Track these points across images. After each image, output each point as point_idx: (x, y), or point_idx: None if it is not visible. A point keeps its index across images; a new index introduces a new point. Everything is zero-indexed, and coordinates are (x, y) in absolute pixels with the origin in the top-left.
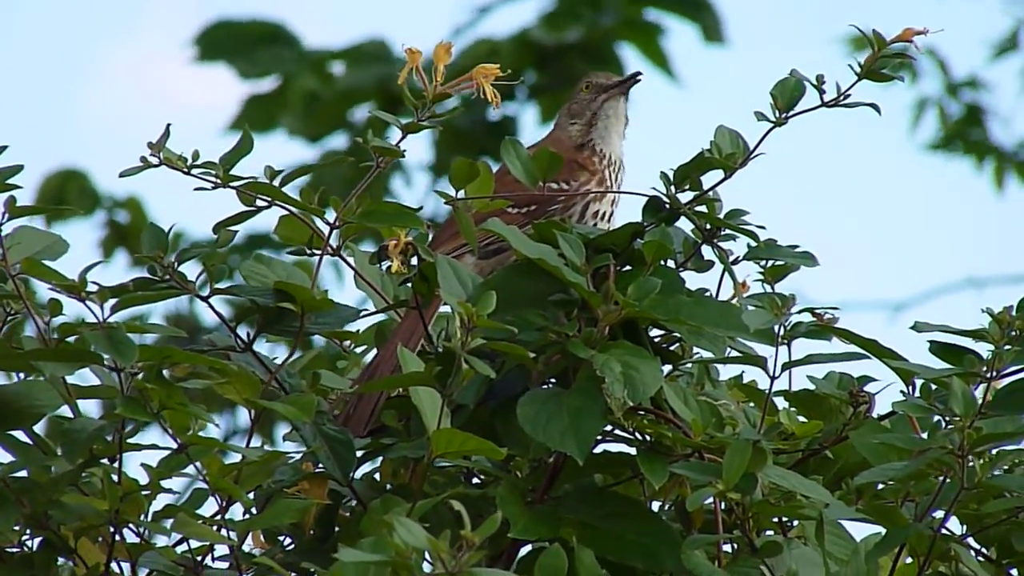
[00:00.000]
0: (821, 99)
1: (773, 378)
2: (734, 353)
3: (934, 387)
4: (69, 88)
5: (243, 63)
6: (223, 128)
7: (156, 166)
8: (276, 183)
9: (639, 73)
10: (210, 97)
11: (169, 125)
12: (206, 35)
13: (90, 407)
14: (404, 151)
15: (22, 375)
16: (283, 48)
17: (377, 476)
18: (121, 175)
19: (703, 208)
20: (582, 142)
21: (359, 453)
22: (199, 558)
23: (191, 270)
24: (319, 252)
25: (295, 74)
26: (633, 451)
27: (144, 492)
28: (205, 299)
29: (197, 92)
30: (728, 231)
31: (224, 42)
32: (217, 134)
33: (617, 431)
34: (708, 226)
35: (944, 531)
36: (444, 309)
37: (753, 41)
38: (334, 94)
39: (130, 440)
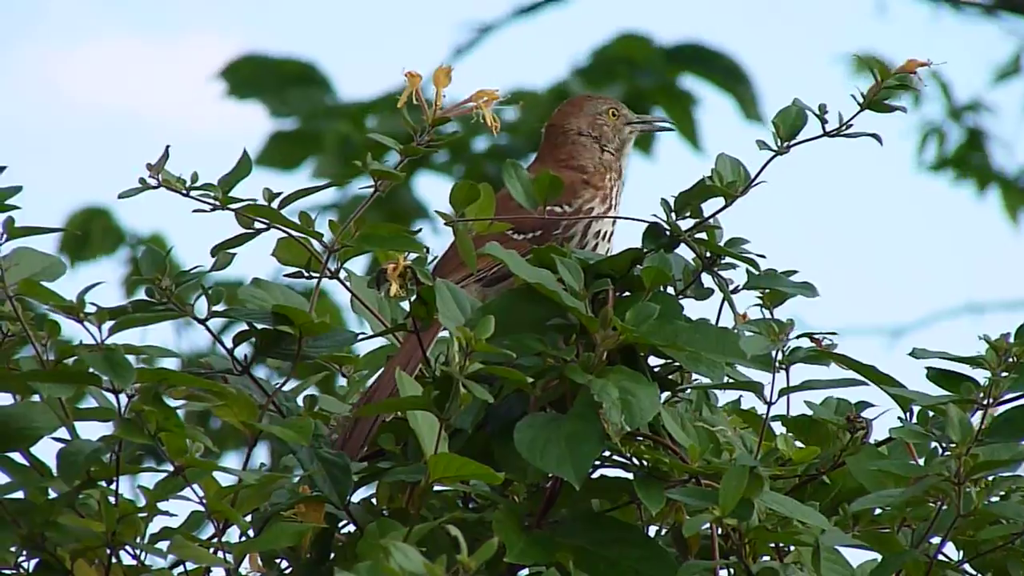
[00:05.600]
0: (823, 129)
1: (770, 404)
2: (732, 379)
3: (931, 413)
4: None
5: (274, 101)
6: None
7: (155, 188)
8: (275, 206)
9: (673, 128)
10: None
11: (168, 147)
12: (235, 69)
13: (88, 429)
14: (403, 176)
15: (19, 396)
16: (314, 90)
17: (374, 500)
18: (121, 196)
19: (703, 235)
20: (608, 167)
21: (356, 477)
22: None
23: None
24: (317, 275)
25: (328, 119)
26: (630, 476)
27: (141, 514)
28: (202, 322)
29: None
30: (728, 259)
31: (254, 78)
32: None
33: (614, 456)
34: (708, 254)
35: (941, 557)
36: (444, 334)
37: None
38: (366, 141)
39: (134, 464)
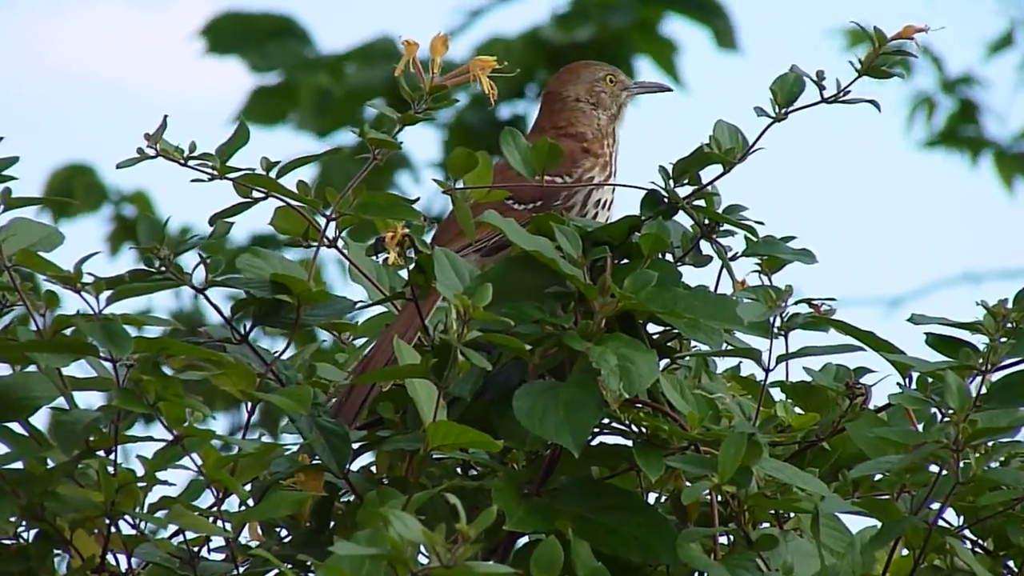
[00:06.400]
0: (821, 95)
1: (768, 370)
2: (731, 346)
3: (930, 380)
4: None
5: (254, 56)
6: (227, 119)
7: (153, 157)
8: (272, 175)
9: (670, 89)
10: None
11: (166, 116)
12: (215, 27)
13: (87, 399)
14: (401, 143)
15: (18, 367)
16: (293, 42)
17: (373, 468)
18: (119, 166)
19: (702, 202)
20: (605, 132)
21: (355, 445)
22: (195, 550)
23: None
24: (315, 244)
25: (307, 71)
26: (629, 444)
27: (140, 484)
28: (201, 291)
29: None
30: (726, 226)
31: (234, 35)
32: (220, 125)
33: (613, 424)
34: (706, 221)
35: (940, 524)
36: (443, 303)
37: (766, 51)
38: (345, 92)
39: (126, 432)
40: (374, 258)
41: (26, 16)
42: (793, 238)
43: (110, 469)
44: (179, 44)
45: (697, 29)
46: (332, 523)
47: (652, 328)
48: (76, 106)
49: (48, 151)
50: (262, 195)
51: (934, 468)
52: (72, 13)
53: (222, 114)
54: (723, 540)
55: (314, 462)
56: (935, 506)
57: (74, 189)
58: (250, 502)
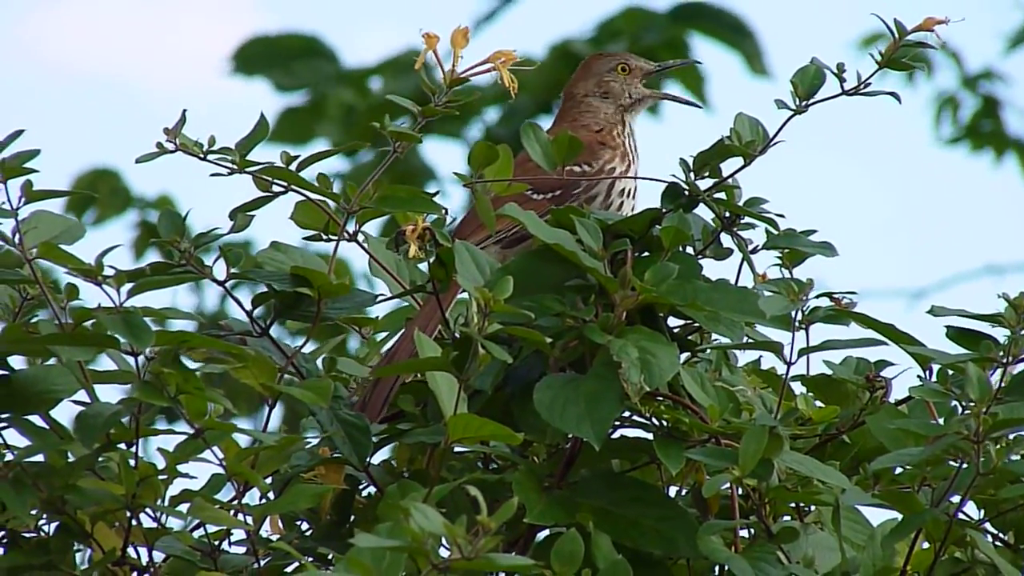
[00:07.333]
0: (841, 87)
1: (789, 364)
2: (751, 339)
3: (951, 372)
4: None
5: (280, 76)
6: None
7: (172, 152)
8: (292, 168)
9: (699, 105)
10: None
11: (185, 111)
12: (243, 51)
13: (108, 392)
14: (421, 137)
15: (39, 360)
16: (320, 61)
17: (394, 461)
18: (138, 161)
19: (722, 195)
20: (613, 121)
21: (376, 438)
22: (216, 543)
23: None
24: (335, 238)
25: (333, 88)
26: (650, 436)
27: (161, 477)
28: (221, 283)
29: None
30: (747, 219)
31: (261, 56)
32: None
33: (634, 416)
34: (727, 213)
35: (961, 516)
36: (463, 295)
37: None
38: (370, 106)
39: (147, 425)
40: (394, 251)
41: (21, 11)
42: (814, 231)
43: (131, 462)
44: (183, 46)
45: (727, 53)
46: (353, 516)
47: (673, 321)
48: (78, 104)
49: (68, 154)
50: (282, 189)
51: (954, 461)
52: (70, 8)
53: (235, 115)
54: (744, 533)
55: (335, 455)
56: (956, 499)
57: (98, 193)
58: (271, 495)
